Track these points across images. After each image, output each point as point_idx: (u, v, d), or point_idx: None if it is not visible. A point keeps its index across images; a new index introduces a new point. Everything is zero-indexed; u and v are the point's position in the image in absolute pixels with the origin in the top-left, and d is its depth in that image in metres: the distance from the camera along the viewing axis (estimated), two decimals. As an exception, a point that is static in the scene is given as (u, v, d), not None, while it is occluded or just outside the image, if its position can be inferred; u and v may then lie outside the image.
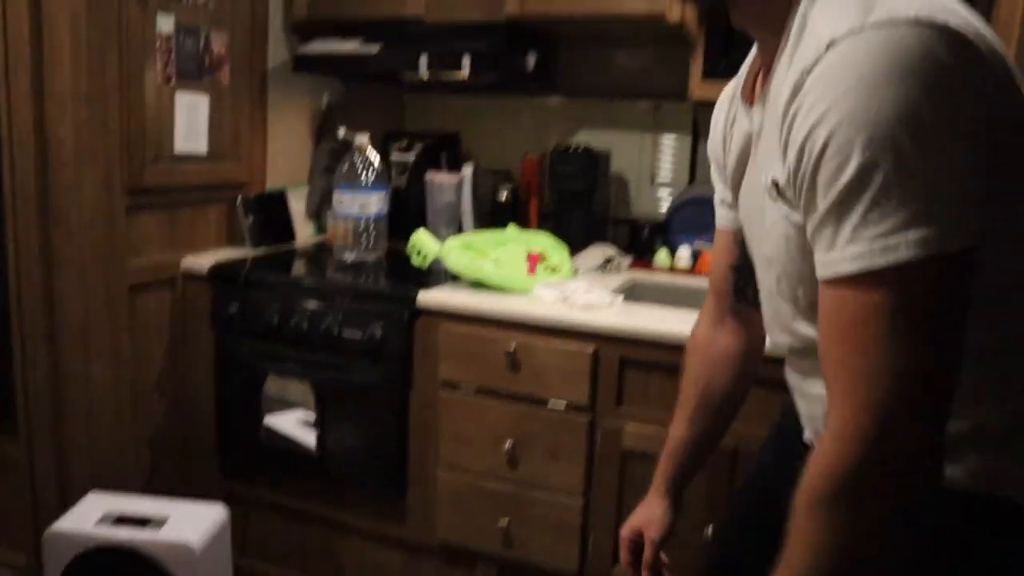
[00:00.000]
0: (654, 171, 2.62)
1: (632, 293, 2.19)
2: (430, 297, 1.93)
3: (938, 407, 0.71)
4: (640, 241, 2.46)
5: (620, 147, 2.63)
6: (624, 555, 1.28)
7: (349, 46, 2.35)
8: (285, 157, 2.55)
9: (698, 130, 2.56)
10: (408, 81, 2.56)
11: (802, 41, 0.76)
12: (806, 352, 0.93)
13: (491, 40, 2.22)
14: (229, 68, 2.30)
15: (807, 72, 0.71)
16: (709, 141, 1.17)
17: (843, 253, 0.69)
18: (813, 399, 0.98)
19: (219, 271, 2.17)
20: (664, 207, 2.57)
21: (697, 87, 2.20)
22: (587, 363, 1.79)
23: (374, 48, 2.30)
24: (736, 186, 1.05)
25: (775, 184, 0.82)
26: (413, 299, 1.94)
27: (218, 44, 2.25)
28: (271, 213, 2.44)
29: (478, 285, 1.99)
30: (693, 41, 2.17)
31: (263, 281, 2.12)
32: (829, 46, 0.69)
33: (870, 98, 0.65)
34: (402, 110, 2.93)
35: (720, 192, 1.19)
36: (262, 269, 2.19)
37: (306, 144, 2.63)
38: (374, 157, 2.30)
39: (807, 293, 0.85)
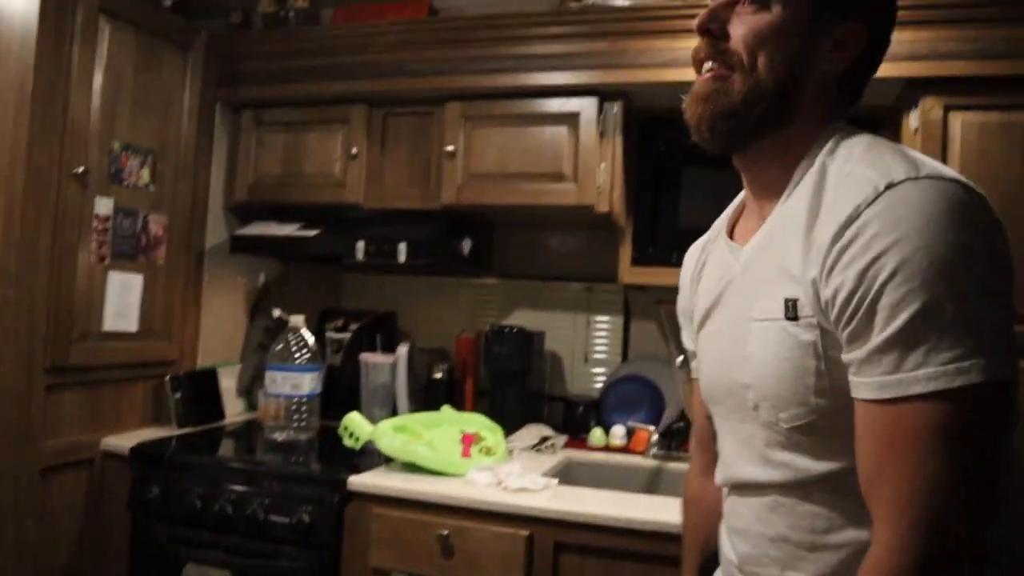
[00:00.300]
0: (588, 350, 2.67)
1: (567, 473, 2.17)
2: (361, 480, 1.88)
3: (985, 519, 0.75)
4: (575, 419, 2.47)
5: (554, 327, 2.68)
6: None
7: (287, 229, 2.41)
8: (218, 335, 2.53)
9: (629, 311, 2.64)
10: (345, 262, 2.62)
11: (828, 183, 0.86)
12: (782, 488, 0.93)
13: (428, 226, 2.30)
14: (166, 248, 2.32)
15: (864, 206, 0.79)
16: (679, 299, 1.24)
17: (915, 374, 0.75)
18: (761, 540, 0.97)
19: (141, 451, 2.08)
20: (598, 385, 2.60)
21: (626, 272, 2.30)
22: (522, 548, 1.74)
23: (312, 232, 2.36)
24: (698, 328, 1.10)
25: (790, 303, 0.87)
26: (344, 482, 1.88)
27: (156, 225, 2.28)
28: (200, 391, 2.39)
29: (411, 468, 1.95)
30: (622, 230, 2.28)
31: (187, 462, 2.04)
32: (888, 187, 0.78)
33: (936, 239, 0.74)
34: (339, 288, 2.97)
35: (692, 346, 1.21)
36: (187, 449, 2.11)
37: (241, 322, 2.63)
38: (309, 337, 2.30)
39: (794, 416, 0.89)
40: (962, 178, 0.79)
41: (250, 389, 2.57)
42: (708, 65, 0.95)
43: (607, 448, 2.31)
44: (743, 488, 1.01)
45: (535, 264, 2.75)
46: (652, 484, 2.19)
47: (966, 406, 0.74)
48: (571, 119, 2.19)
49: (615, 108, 2.18)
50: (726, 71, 0.93)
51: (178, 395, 2.30)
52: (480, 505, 1.78)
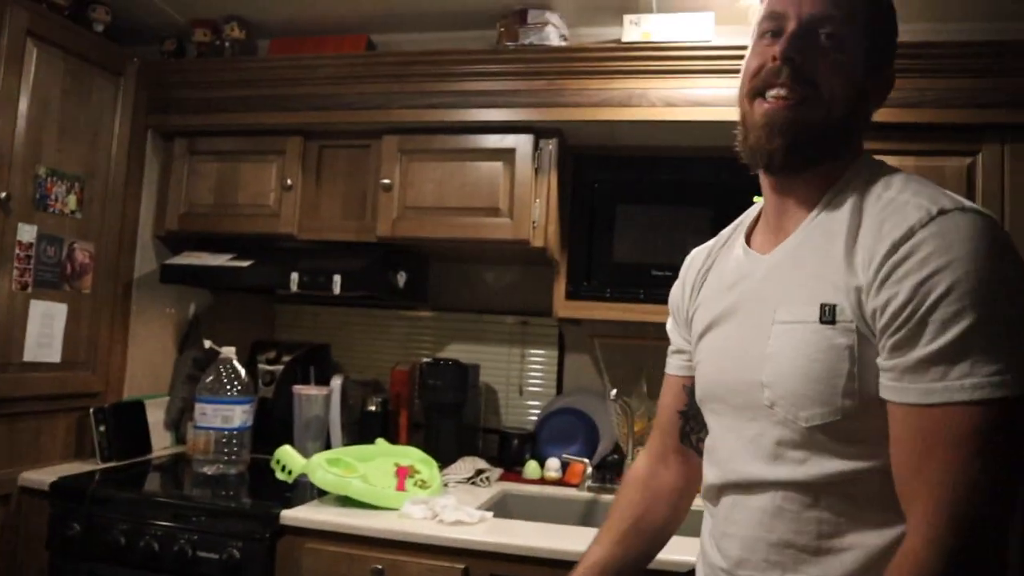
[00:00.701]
0: (523, 383, 2.69)
1: (503, 506, 2.17)
2: (294, 515, 1.85)
3: (1011, 519, 0.83)
4: (510, 452, 2.48)
5: (489, 360, 2.70)
6: None
7: (220, 259, 2.37)
8: (146, 366, 2.47)
9: (564, 344, 2.67)
10: (279, 294, 2.59)
11: (868, 205, 0.96)
12: (788, 487, 0.98)
13: (363, 259, 2.29)
14: (92, 276, 2.26)
15: (918, 227, 0.88)
16: (672, 295, 1.32)
17: (960, 383, 0.83)
18: (760, 545, 1.01)
19: (62, 486, 2.00)
20: (533, 418, 2.62)
21: (561, 306, 2.33)
22: (457, 582, 1.73)
23: (245, 263, 2.33)
24: (702, 328, 1.16)
25: (827, 308, 0.95)
26: (276, 517, 1.85)
27: (82, 254, 2.23)
28: (126, 424, 2.32)
29: (345, 501, 1.93)
30: (556, 264, 2.32)
31: (111, 497, 1.97)
32: (940, 212, 0.88)
33: (984, 265, 0.85)
34: (272, 320, 2.93)
35: (676, 343, 1.31)
36: (111, 484, 2.05)
37: (170, 353, 2.57)
38: (240, 368, 2.26)
39: (815, 415, 0.94)
40: (992, 214, 0.90)
41: (179, 422, 2.50)
42: (783, 92, 1.00)
43: (542, 480, 2.33)
44: (742, 488, 1.05)
45: (471, 297, 2.76)
46: (587, 516, 2.21)
47: (1004, 415, 0.82)
48: (507, 155, 2.22)
49: (550, 145, 2.23)
50: (801, 99, 1.00)
51: (102, 428, 2.22)
52: (415, 538, 1.77)
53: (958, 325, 0.84)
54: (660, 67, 2.12)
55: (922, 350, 0.85)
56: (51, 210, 2.13)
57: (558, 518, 2.07)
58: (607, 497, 2.21)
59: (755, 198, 2.18)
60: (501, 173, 2.22)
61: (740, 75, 1.09)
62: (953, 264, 0.85)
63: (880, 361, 0.90)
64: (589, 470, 2.29)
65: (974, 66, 1.96)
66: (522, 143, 2.22)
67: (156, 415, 2.45)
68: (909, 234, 0.88)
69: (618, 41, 2.21)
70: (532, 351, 2.69)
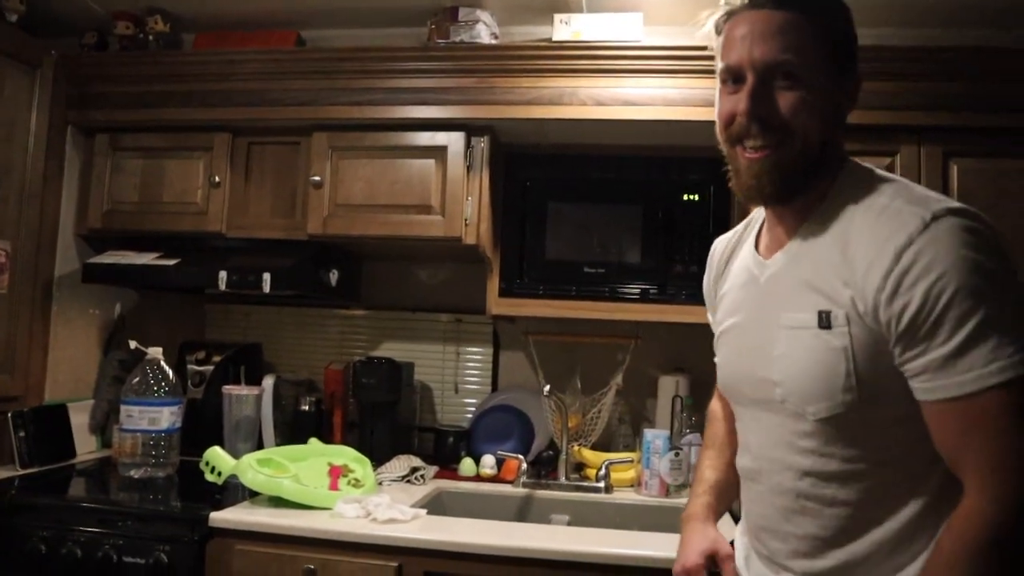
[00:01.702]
0: (458, 381, 2.69)
1: (438, 503, 2.17)
2: (223, 516, 1.82)
3: None
4: (445, 449, 2.47)
5: (424, 358, 2.69)
6: None
7: (145, 258, 2.32)
8: (69, 368, 2.39)
9: (499, 342, 2.69)
10: (208, 293, 2.54)
11: (858, 214, 1.07)
12: (809, 477, 1.10)
13: (293, 257, 2.27)
14: (9, 276, 2.18)
15: (916, 235, 0.98)
16: (704, 281, 1.44)
17: (989, 369, 0.94)
18: (787, 537, 1.15)
19: (-23, 496, 1.93)
20: (469, 415, 2.62)
21: (495, 304, 2.35)
22: (391, 580, 1.73)
23: (171, 261, 2.28)
24: (722, 323, 1.29)
25: (823, 314, 1.06)
26: (205, 519, 1.81)
27: None
28: (48, 428, 2.25)
29: (277, 502, 1.90)
30: (490, 262, 2.33)
31: (31, 504, 1.91)
32: (934, 218, 0.98)
33: (983, 263, 0.96)
34: (201, 320, 2.87)
35: (713, 325, 1.40)
36: (31, 491, 1.99)
37: (94, 355, 2.50)
38: (167, 369, 2.21)
39: (821, 409, 1.06)
40: (976, 210, 1.01)
41: (104, 426, 2.44)
42: (758, 143, 1.10)
43: (478, 478, 2.33)
44: (768, 475, 1.18)
45: (404, 296, 2.75)
46: (522, 512, 2.22)
47: None
48: (439, 152, 2.22)
49: (482, 143, 2.24)
50: (776, 144, 1.09)
51: (21, 433, 2.15)
52: (347, 537, 1.76)
53: (973, 319, 0.95)
54: (590, 66, 2.14)
55: (947, 347, 0.96)
56: (-36, 208, 2.05)
57: (493, 514, 2.08)
58: (542, 493, 2.23)
59: (685, 196, 2.25)
60: (433, 170, 2.22)
61: (715, 119, 1.17)
62: (956, 266, 0.96)
63: (908, 367, 1.00)
64: (524, 466, 2.30)
65: (893, 70, 2.03)
66: (454, 140, 2.22)
67: (80, 419, 2.38)
68: (909, 242, 0.98)
69: (549, 40, 2.22)
70: (467, 349, 2.70)
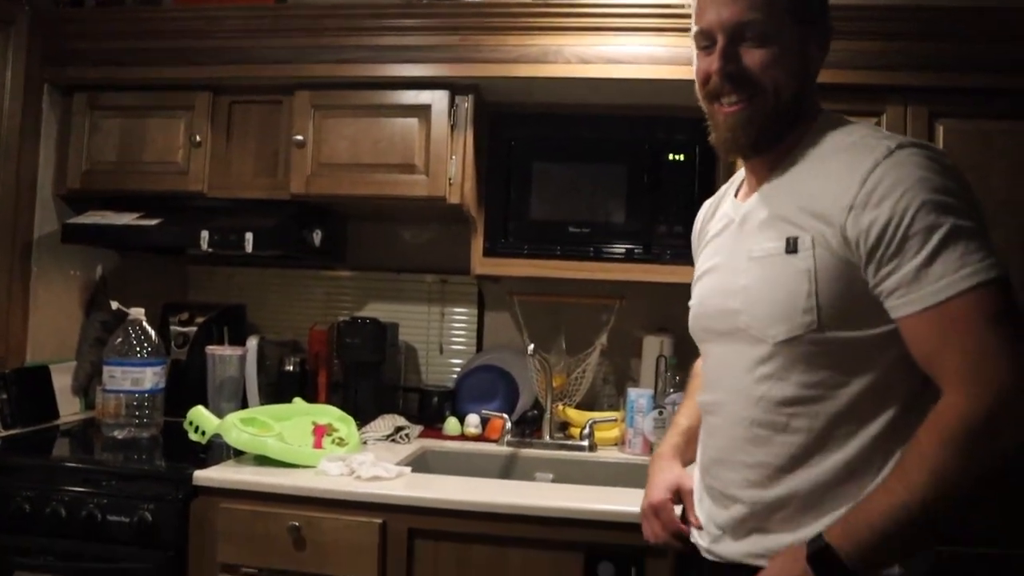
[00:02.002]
0: (442, 341, 2.70)
1: (422, 462, 2.18)
2: (207, 475, 1.83)
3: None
4: (430, 409, 2.48)
5: (408, 319, 2.69)
6: (655, 525, 1.39)
7: (126, 219, 2.29)
8: (50, 330, 2.38)
9: (484, 301, 2.69)
10: (190, 253, 2.52)
11: (828, 152, 1.14)
12: (766, 404, 1.14)
13: (276, 217, 2.25)
14: (-13, 237, 2.16)
15: (881, 159, 1.05)
16: (692, 241, 1.49)
17: (959, 275, 0.98)
18: (739, 466, 1.18)
19: (-39, 456, 1.93)
20: (454, 376, 2.63)
21: (479, 264, 2.34)
22: (375, 536, 1.74)
23: (153, 221, 2.26)
24: (697, 275, 1.36)
25: (791, 240, 1.12)
26: (189, 478, 1.82)
27: (-24, 213, 2.12)
28: (30, 390, 2.24)
29: (261, 461, 1.91)
30: (474, 222, 2.32)
31: (15, 464, 1.91)
32: (898, 147, 1.05)
33: (945, 183, 1.03)
34: (184, 281, 2.85)
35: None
36: (14, 451, 1.99)
37: (76, 316, 2.48)
38: (150, 330, 2.20)
39: (781, 332, 1.11)
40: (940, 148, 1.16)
41: (87, 387, 2.43)
42: (732, 99, 1.17)
43: (463, 437, 2.34)
44: (725, 405, 1.22)
45: (389, 256, 2.74)
46: (507, 470, 2.24)
47: (999, 293, 0.99)
48: (423, 111, 2.20)
49: (466, 102, 2.21)
50: (749, 99, 1.16)
51: (4, 395, 2.14)
52: (332, 495, 1.77)
53: (940, 230, 0.99)
54: (575, 24, 2.11)
55: (916, 259, 1.00)
56: (-60, 167, 2.02)
57: (478, 473, 2.09)
58: (526, 452, 2.25)
59: (671, 156, 2.24)
60: (416, 129, 2.20)
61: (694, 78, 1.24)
62: (920, 183, 1.01)
63: (882, 287, 1.04)
64: (508, 425, 2.31)
65: (879, 29, 2.01)
66: (438, 99, 2.19)
67: (63, 380, 2.37)
68: (874, 166, 1.05)
69: (533, -3, 2.19)
70: (452, 309, 2.70)
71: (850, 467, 1.09)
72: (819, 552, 1.03)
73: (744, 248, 1.20)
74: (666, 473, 1.41)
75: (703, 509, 1.29)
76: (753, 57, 1.15)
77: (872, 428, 1.09)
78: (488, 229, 2.35)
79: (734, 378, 1.20)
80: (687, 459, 1.45)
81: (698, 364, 1.54)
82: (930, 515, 0.98)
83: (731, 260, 1.23)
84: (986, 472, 0.98)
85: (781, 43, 1.14)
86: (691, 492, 1.35)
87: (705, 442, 1.30)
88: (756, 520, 1.16)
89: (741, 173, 1.35)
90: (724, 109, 1.19)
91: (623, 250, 2.28)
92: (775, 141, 1.19)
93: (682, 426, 1.49)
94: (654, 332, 2.44)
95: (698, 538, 1.29)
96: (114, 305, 2.28)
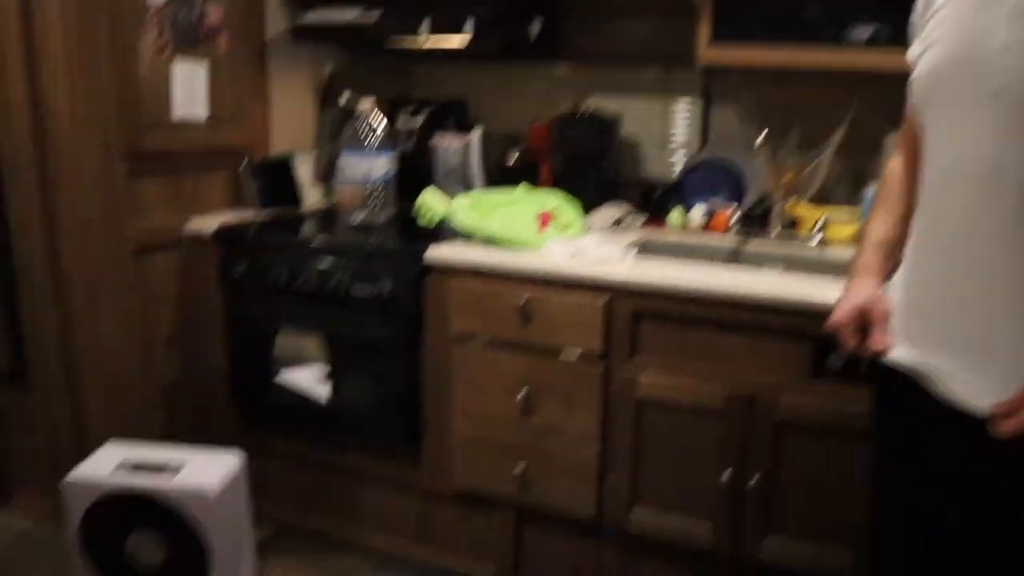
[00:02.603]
0: (665, 135, 2.58)
1: (644, 250, 2.14)
2: (439, 253, 1.90)
3: None
4: (652, 202, 2.41)
5: (631, 112, 2.58)
6: (850, 334, 1.26)
7: (348, 15, 2.32)
8: (289, 124, 2.52)
9: (710, 94, 2.51)
10: (409, 48, 2.53)
11: None
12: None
13: (494, 5, 2.19)
14: (227, 37, 2.27)
15: None
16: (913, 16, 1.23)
17: None
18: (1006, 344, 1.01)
19: (225, 233, 2.15)
20: (677, 170, 2.53)
21: (705, 51, 2.14)
22: (599, 314, 1.75)
23: (373, 16, 2.27)
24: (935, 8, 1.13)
25: None
26: (421, 255, 1.91)
27: (214, 15, 2.23)
28: (277, 178, 2.42)
29: (488, 242, 1.95)
30: (699, 5, 2.11)
31: (271, 242, 2.11)
32: None
33: None
34: (408, 78, 2.89)
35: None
36: (270, 231, 2.18)
37: (310, 111, 2.61)
38: (378, 121, 2.27)
39: None
40: None
41: (327, 176, 2.57)
42: None
43: (685, 229, 2.27)
44: (962, 173, 1.05)
45: (609, 49, 2.60)
46: (731, 260, 2.15)
47: None
48: None
49: None
50: None
51: (257, 181, 2.33)
52: (558, 275, 1.79)
53: None
54: None
55: None
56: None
57: (701, 262, 2.02)
58: (752, 245, 2.14)
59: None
60: None
61: None
62: None
63: None
64: (736, 217, 2.20)
65: None
66: None
67: (303, 170, 2.53)
68: None
69: None
70: (675, 101, 2.55)
71: None
72: None
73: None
74: (857, 291, 1.28)
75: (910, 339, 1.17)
76: None
77: None
78: (715, 11, 2.14)
79: (980, 147, 1.03)
80: (885, 271, 1.30)
81: (892, 165, 1.36)
82: None
83: (980, 11, 1.03)
84: None
85: None
86: (881, 319, 1.23)
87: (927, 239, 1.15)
88: None
89: None
90: None
91: (867, 33, 1.99)
92: None
93: (879, 235, 1.32)
94: (896, 128, 2.17)
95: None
96: (344, 97, 2.36)
